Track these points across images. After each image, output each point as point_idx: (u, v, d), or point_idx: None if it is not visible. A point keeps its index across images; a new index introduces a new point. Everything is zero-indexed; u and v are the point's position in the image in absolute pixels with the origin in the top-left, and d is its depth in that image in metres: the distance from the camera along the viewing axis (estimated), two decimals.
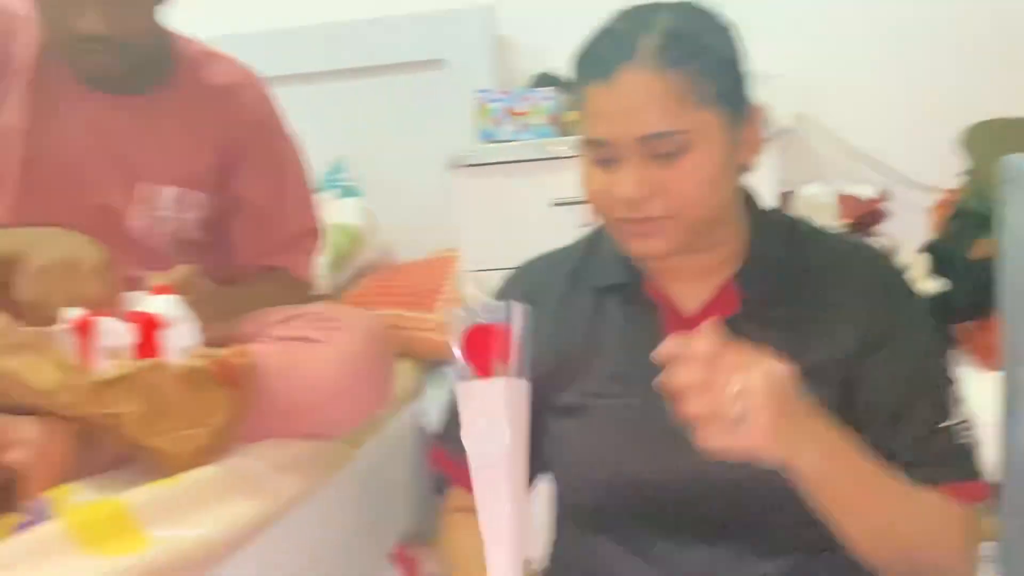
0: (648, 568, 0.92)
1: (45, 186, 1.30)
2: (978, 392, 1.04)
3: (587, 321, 0.98)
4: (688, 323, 0.92)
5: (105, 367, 1.00)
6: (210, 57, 1.41)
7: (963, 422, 0.93)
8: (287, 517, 1.15)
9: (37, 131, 1.30)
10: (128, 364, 1.00)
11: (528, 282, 1.04)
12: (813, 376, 0.87)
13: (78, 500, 0.93)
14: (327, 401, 1.20)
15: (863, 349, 0.90)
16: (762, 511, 0.89)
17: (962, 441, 0.93)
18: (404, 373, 1.79)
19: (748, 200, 0.97)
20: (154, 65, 1.35)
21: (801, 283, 0.93)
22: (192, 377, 1.02)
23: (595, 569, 0.96)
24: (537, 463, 0.98)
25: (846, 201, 1.83)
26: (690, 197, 0.87)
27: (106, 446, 1.05)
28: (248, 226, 1.44)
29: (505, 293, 1.04)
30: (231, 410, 1.05)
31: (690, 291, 0.95)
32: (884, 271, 0.96)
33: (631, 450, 0.92)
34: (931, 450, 0.91)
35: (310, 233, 1.51)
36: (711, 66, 0.86)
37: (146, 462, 1.02)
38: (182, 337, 1.07)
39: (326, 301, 1.82)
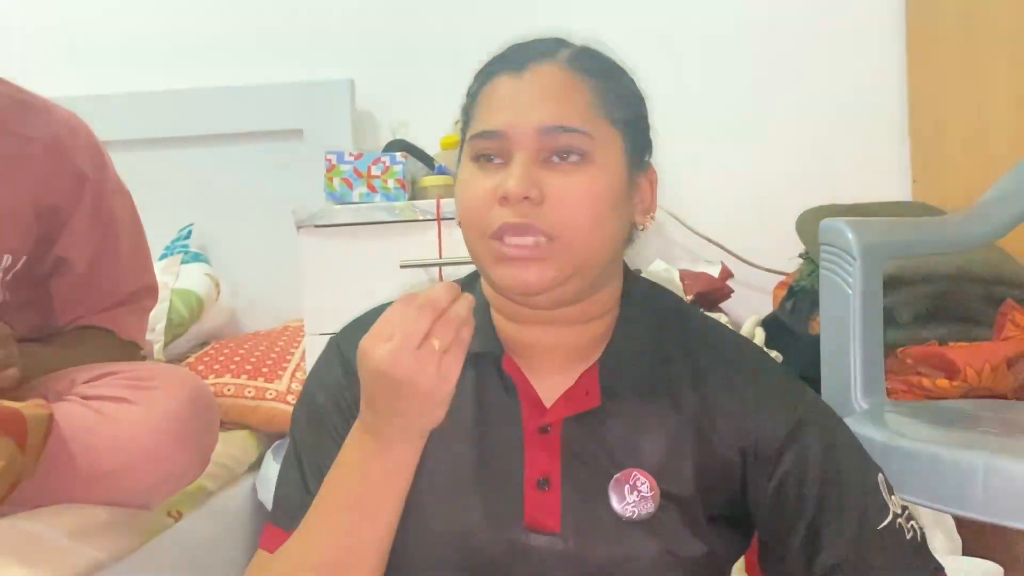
0: None
1: None
2: None
3: None
4: (546, 414, 0.83)
5: None
6: (26, 105, 1.28)
7: (903, 511, 0.82)
8: None
9: None
10: None
11: None
12: (693, 487, 0.81)
13: None
14: (135, 466, 1.13)
15: (752, 458, 0.82)
16: None
17: (911, 535, 0.81)
18: (241, 443, 1.71)
19: (625, 280, 0.87)
20: None
21: (672, 369, 0.84)
22: None
23: None
24: None
25: (690, 277, 1.89)
26: (578, 216, 0.77)
27: None
28: (70, 287, 1.34)
29: (345, 344, 0.89)
30: (9, 464, 0.96)
31: (551, 378, 0.84)
32: (768, 372, 0.85)
33: (474, 564, 0.81)
34: (883, 555, 0.80)
35: (141, 292, 1.43)
36: (618, 89, 0.82)
37: None
38: None
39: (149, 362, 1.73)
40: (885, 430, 0.84)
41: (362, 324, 0.88)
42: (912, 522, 0.82)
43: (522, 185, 0.76)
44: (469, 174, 0.81)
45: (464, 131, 0.85)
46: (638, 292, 0.87)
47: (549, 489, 0.81)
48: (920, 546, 0.82)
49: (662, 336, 0.85)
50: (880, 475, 0.82)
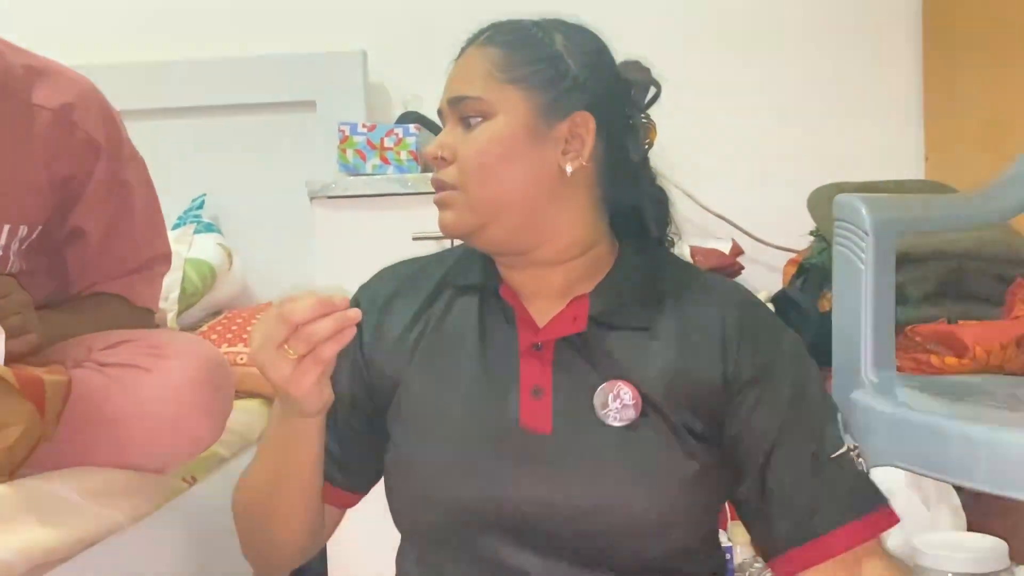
0: None
1: None
2: None
3: (442, 319, 0.95)
4: (539, 334, 0.92)
5: None
6: (38, 73, 1.27)
7: (853, 449, 0.90)
8: (102, 548, 1.07)
9: None
10: None
11: (399, 276, 1.00)
12: (674, 404, 0.87)
13: None
14: (151, 433, 1.14)
15: (730, 384, 0.89)
16: (608, 536, 0.87)
17: (861, 468, 0.89)
18: (254, 411, 1.73)
19: (631, 236, 0.96)
20: None
21: (659, 308, 0.91)
22: None
23: None
24: (370, 471, 0.97)
25: (701, 253, 1.89)
26: (474, 165, 0.90)
27: None
28: (85, 254, 1.35)
29: (373, 287, 1.01)
30: (30, 428, 0.97)
31: (544, 306, 0.93)
32: (745, 296, 0.94)
33: (479, 466, 0.89)
34: (836, 481, 0.87)
35: (155, 260, 1.44)
36: (524, 53, 0.91)
37: None
38: None
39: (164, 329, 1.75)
40: (893, 402, 0.85)
41: (377, 275, 1.02)
42: (861, 459, 0.90)
43: (433, 148, 0.92)
44: None
45: None
46: (637, 241, 0.96)
47: (542, 397, 0.89)
48: (869, 479, 0.89)
49: (655, 277, 0.93)
50: (839, 414, 0.90)
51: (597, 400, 0.88)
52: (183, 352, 1.20)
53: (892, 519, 0.87)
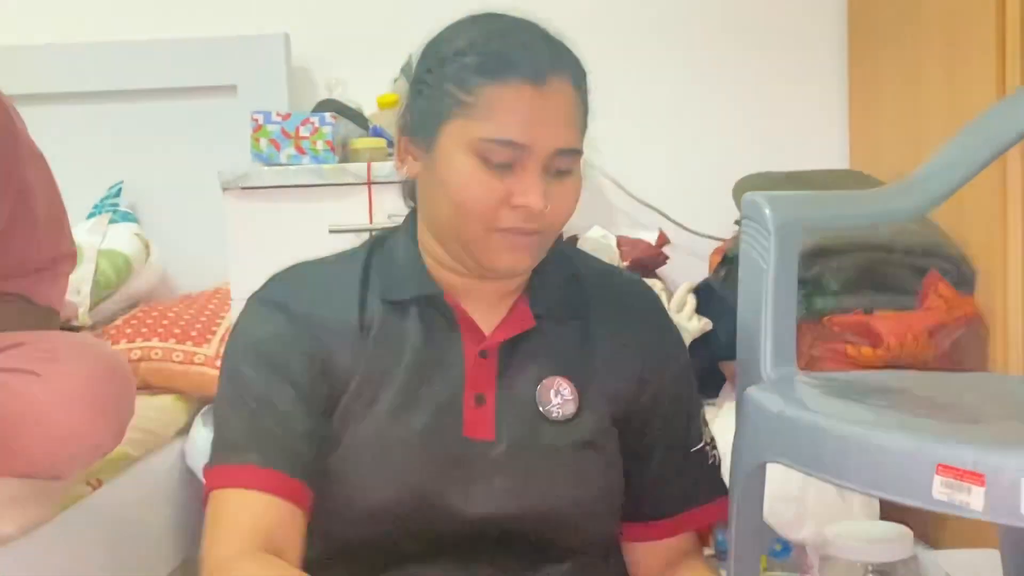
0: None
1: None
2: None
3: (383, 330, 0.92)
4: (485, 340, 0.92)
5: None
6: None
7: (712, 441, 1.01)
8: None
9: None
10: None
11: (310, 287, 0.94)
12: (602, 396, 0.94)
13: None
14: (43, 440, 1.11)
15: (642, 378, 0.96)
16: (555, 528, 0.91)
17: (711, 461, 1.00)
18: (168, 408, 1.69)
19: None
20: None
21: (582, 304, 0.97)
22: None
23: None
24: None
25: (627, 243, 1.88)
26: (564, 216, 0.91)
27: None
28: None
29: (280, 296, 0.94)
30: None
31: (486, 311, 0.94)
32: (654, 301, 1.03)
33: (420, 473, 0.88)
34: (688, 471, 0.98)
35: (58, 259, 1.39)
36: (587, 92, 0.92)
37: None
38: None
39: (82, 330, 1.70)
40: (782, 399, 0.85)
41: (287, 277, 0.96)
42: (715, 451, 1.01)
43: (541, 204, 0.86)
44: (472, 169, 0.86)
45: (445, 107, 0.87)
46: None
47: (484, 404, 0.90)
48: (718, 469, 1.01)
49: (571, 271, 0.98)
50: (702, 408, 1.02)
51: (539, 397, 0.91)
52: (77, 355, 1.16)
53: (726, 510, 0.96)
